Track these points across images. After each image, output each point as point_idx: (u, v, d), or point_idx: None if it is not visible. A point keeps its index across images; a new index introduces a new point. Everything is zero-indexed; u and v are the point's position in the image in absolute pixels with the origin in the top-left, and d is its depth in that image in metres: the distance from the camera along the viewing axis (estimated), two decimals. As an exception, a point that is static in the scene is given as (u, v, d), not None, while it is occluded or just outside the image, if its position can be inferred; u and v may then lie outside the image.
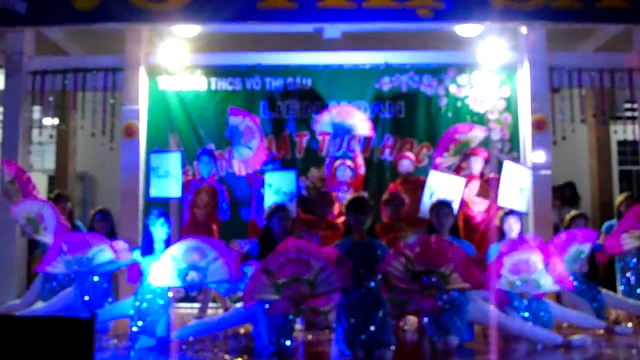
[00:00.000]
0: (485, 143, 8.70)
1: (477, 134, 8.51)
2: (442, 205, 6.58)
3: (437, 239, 5.83)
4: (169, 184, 8.10)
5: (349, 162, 8.45)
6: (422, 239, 5.78)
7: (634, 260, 8.04)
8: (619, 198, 8.66)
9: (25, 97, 9.32)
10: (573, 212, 7.97)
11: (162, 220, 6.77)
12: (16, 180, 8.00)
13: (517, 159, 8.92)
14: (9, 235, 8.79)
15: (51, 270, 6.92)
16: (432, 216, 6.56)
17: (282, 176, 7.92)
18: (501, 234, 7.00)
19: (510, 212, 7.18)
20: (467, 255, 5.72)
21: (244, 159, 8.25)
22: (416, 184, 8.25)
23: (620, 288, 8.21)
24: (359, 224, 5.83)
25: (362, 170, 8.51)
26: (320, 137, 9.19)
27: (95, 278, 7.17)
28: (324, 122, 8.54)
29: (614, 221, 8.28)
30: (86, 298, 7.11)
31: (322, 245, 6.49)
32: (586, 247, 7.12)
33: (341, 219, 7.56)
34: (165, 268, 6.23)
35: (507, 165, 7.99)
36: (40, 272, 7.44)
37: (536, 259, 6.15)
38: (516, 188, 7.84)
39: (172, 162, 8.15)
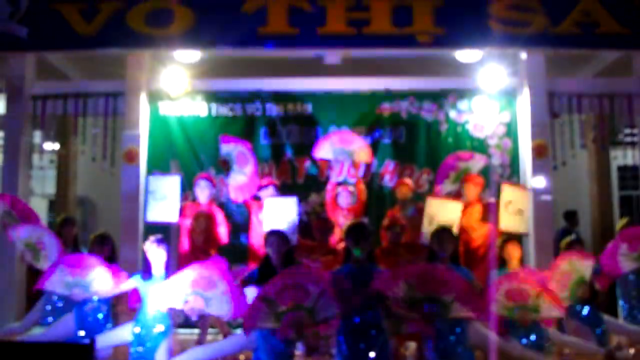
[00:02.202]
0: (485, 169, 8.71)
1: (478, 161, 8.53)
2: (443, 232, 6.55)
3: (439, 266, 5.81)
4: (166, 208, 8.09)
5: (350, 188, 8.46)
6: (424, 266, 5.76)
7: (634, 285, 8.02)
8: (619, 223, 8.66)
9: (26, 121, 9.34)
10: (569, 238, 7.96)
11: (156, 245, 6.74)
12: (13, 211, 7.93)
13: (516, 182, 8.93)
14: (9, 258, 8.76)
15: (50, 287, 6.84)
16: (433, 242, 6.53)
17: (282, 203, 7.93)
18: (502, 260, 6.98)
19: (510, 239, 7.16)
20: (469, 284, 5.70)
21: (239, 185, 8.27)
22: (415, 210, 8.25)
23: (622, 314, 8.17)
24: (359, 250, 5.82)
25: (363, 196, 8.52)
26: (320, 163, 9.18)
27: (95, 303, 7.12)
28: (324, 148, 8.56)
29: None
30: (85, 325, 7.05)
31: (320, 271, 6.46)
32: (587, 272, 7.10)
33: (341, 245, 7.54)
34: (168, 291, 6.16)
35: (505, 188, 8.00)
36: (40, 290, 7.32)
37: (531, 286, 6.13)
38: (515, 210, 7.84)
39: (170, 186, 8.15)
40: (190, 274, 6.09)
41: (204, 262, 6.24)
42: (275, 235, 6.71)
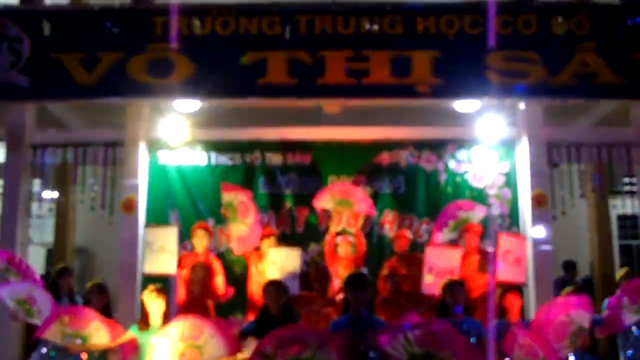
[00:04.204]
0: (484, 219, 8.70)
1: (479, 212, 8.54)
2: (455, 284, 6.61)
3: (440, 323, 5.76)
4: (164, 259, 8.05)
5: (350, 238, 8.43)
6: (424, 321, 5.72)
7: (635, 335, 7.96)
8: (619, 272, 8.63)
9: (25, 170, 9.33)
10: (569, 289, 7.92)
11: (155, 294, 6.72)
12: (11, 266, 7.84)
13: (515, 232, 8.91)
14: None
15: (49, 337, 6.77)
16: (446, 295, 6.53)
17: (286, 253, 7.89)
18: (502, 310, 6.92)
19: (510, 289, 7.12)
20: (469, 342, 5.66)
21: (240, 236, 8.24)
22: (413, 260, 8.22)
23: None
24: (358, 301, 5.77)
25: (363, 247, 8.49)
26: (320, 212, 9.16)
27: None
28: (324, 199, 8.56)
29: None
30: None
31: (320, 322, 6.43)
32: (585, 322, 7.02)
33: (340, 296, 7.49)
34: (162, 346, 6.14)
35: (503, 238, 7.99)
36: (38, 338, 7.22)
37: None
38: (514, 260, 7.82)
39: (168, 237, 8.11)
40: (178, 327, 6.10)
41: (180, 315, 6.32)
42: (273, 286, 6.67)
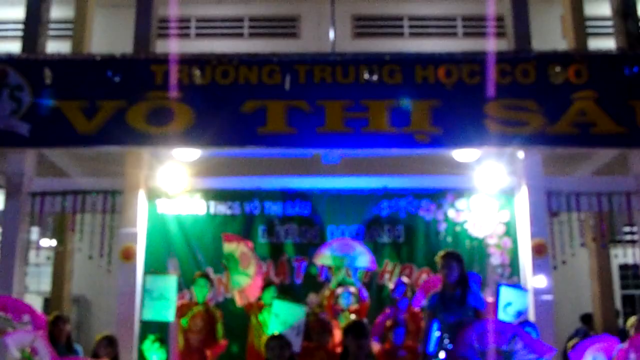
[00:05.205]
0: (484, 268, 8.66)
1: None
2: (450, 254, 6.67)
3: None
4: (163, 307, 7.98)
5: (352, 289, 8.35)
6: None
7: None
8: (629, 321, 8.48)
9: (24, 218, 9.27)
10: (576, 340, 7.82)
11: (157, 345, 6.65)
12: (8, 315, 7.76)
13: (517, 283, 8.84)
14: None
15: None
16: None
17: (290, 308, 7.80)
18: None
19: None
20: None
21: (242, 287, 8.18)
22: (414, 314, 8.17)
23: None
24: (359, 348, 5.73)
25: (366, 297, 8.39)
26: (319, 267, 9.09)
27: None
28: (324, 255, 8.51)
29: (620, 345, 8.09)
30: None
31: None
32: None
33: (340, 349, 7.39)
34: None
35: (504, 290, 7.92)
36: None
37: None
38: (514, 312, 7.74)
39: (168, 285, 8.06)
40: None
41: None
42: (276, 341, 6.58)
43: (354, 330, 5.81)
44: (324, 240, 9.11)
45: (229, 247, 8.30)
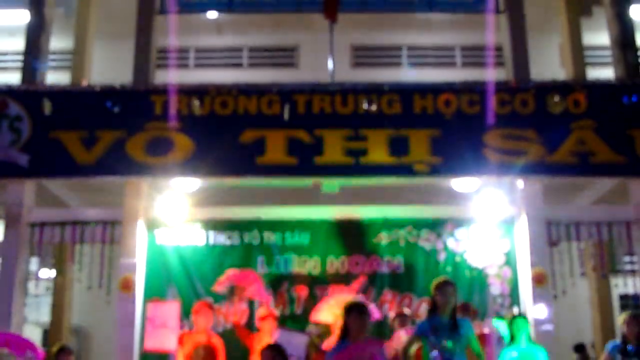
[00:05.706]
0: (483, 298, 8.62)
1: None
2: (445, 283, 6.58)
3: None
4: (165, 335, 7.94)
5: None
6: None
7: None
8: (620, 318, 8.35)
9: (23, 248, 9.25)
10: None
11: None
12: (9, 350, 7.72)
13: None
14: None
15: None
16: (436, 295, 6.58)
17: (292, 338, 7.75)
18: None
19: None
20: None
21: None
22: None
23: None
24: (363, 325, 5.87)
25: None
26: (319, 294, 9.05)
27: None
28: (322, 312, 8.45)
29: (617, 342, 7.97)
30: None
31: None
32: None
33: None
34: None
35: (501, 322, 7.90)
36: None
37: None
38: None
39: (170, 313, 8.03)
40: None
41: None
42: (270, 350, 6.60)
43: (356, 308, 5.94)
44: (323, 270, 9.13)
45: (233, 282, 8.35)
